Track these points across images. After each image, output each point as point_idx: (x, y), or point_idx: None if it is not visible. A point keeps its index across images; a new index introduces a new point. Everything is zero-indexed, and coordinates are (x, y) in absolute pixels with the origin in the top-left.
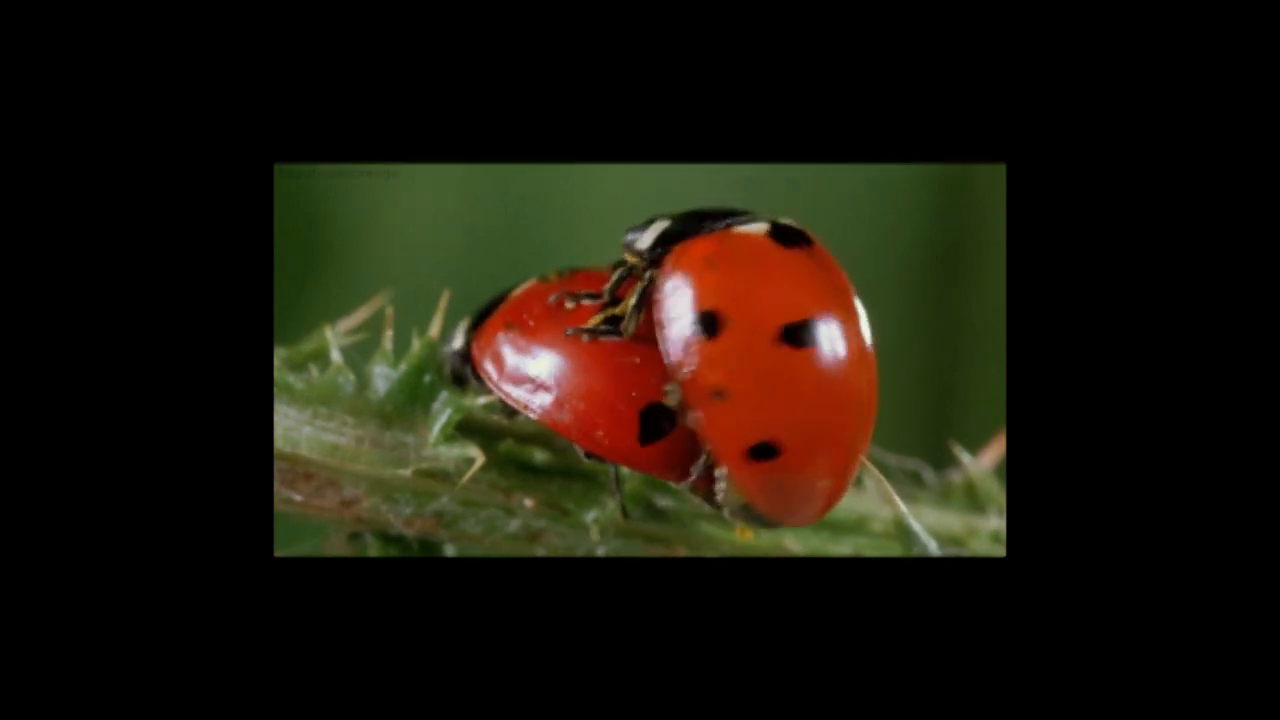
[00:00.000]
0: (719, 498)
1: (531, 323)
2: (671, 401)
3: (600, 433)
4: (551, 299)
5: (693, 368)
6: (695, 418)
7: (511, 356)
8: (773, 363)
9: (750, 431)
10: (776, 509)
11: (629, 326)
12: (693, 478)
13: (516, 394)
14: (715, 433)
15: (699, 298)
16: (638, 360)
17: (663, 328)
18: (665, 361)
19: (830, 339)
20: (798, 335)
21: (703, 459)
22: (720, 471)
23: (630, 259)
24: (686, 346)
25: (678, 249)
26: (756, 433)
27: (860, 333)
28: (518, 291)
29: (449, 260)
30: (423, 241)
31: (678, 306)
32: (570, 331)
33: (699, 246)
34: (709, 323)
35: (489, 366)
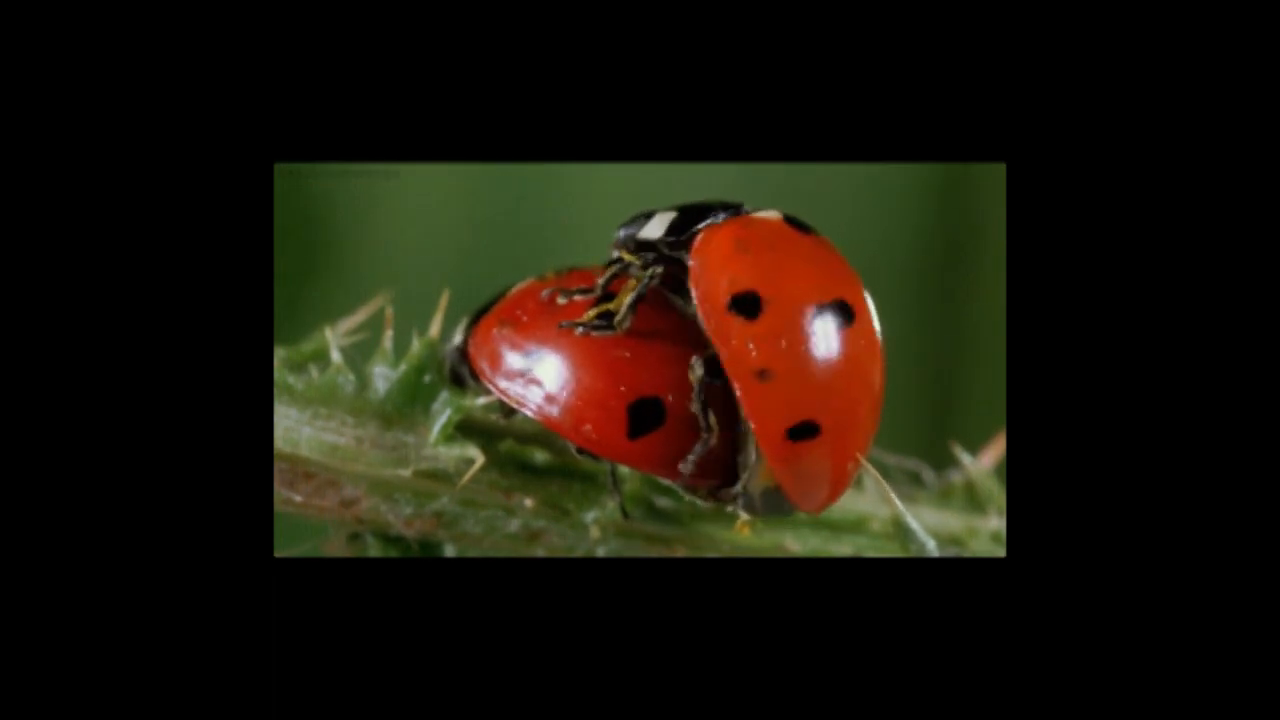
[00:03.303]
0: (738, 486)
1: (525, 319)
2: (695, 377)
3: (589, 427)
4: (544, 294)
5: (735, 349)
6: (736, 398)
7: (504, 352)
8: (813, 342)
9: (793, 411)
10: (803, 492)
11: (624, 322)
12: (685, 474)
13: (509, 389)
14: (757, 413)
15: (736, 279)
16: (627, 355)
17: (698, 313)
18: (706, 343)
19: (857, 319)
20: (833, 314)
21: (694, 454)
22: (749, 457)
23: (626, 256)
24: (727, 328)
25: (704, 234)
26: (799, 412)
27: (874, 316)
28: (514, 290)
29: (449, 260)
30: (423, 241)
31: (714, 289)
32: (563, 325)
33: (725, 231)
34: (749, 304)
35: (483, 363)
